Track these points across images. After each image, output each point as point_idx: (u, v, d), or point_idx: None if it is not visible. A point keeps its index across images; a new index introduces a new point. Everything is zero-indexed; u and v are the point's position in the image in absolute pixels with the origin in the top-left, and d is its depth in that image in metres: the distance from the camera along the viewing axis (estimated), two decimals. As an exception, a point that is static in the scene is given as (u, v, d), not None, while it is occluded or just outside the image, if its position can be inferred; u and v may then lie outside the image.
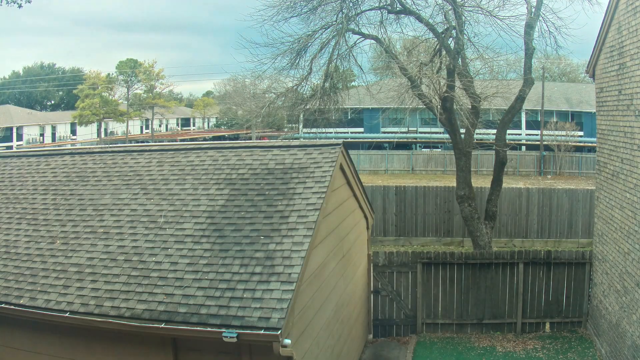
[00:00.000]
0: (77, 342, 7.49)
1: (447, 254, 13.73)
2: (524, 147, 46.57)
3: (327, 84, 17.25)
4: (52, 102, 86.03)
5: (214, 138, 71.65)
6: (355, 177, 10.91)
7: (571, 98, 49.93)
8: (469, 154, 17.01)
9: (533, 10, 15.49)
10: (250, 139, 59.58)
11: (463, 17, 15.98)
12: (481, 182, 24.35)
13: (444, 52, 17.48)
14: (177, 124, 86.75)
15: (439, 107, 16.82)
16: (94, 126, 65.39)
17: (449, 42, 16.73)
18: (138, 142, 61.71)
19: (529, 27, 15.56)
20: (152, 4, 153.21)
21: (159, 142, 60.93)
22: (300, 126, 41.67)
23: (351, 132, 47.82)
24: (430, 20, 16.77)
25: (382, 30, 17.05)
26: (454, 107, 16.99)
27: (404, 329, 13.43)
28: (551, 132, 41.69)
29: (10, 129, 56.72)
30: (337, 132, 42.20)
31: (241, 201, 8.64)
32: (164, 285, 7.24)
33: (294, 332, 6.88)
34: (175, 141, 64.42)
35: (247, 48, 42.95)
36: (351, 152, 10.21)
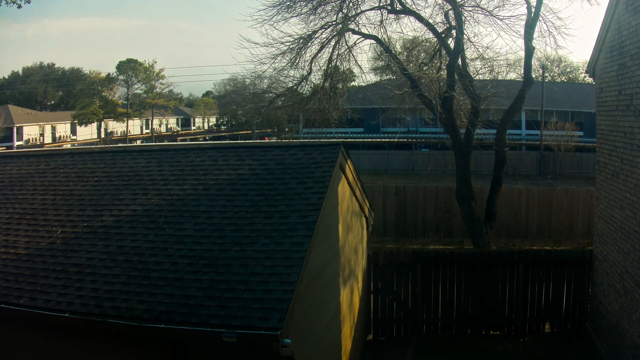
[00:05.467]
0: (77, 342, 7.49)
1: (447, 254, 13.71)
2: (524, 147, 46.55)
3: (327, 84, 17.25)
4: (52, 102, 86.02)
5: (214, 138, 71.71)
6: (355, 177, 10.91)
7: (571, 98, 49.94)
8: (469, 154, 17.01)
9: (533, 10, 15.48)
10: (250, 139, 59.62)
11: (463, 17, 15.98)
12: (481, 182, 24.33)
13: (444, 52, 17.49)
14: (177, 124, 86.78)
15: (439, 107, 16.83)
16: (94, 126, 65.41)
17: (449, 42, 16.74)
18: (138, 142, 61.79)
19: (529, 27, 15.56)
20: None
21: (160, 142, 61.01)
22: (301, 126, 41.69)
23: (351, 132, 47.82)
24: (430, 20, 16.80)
25: (382, 30, 17.09)
26: (454, 107, 16.99)
27: (404, 329, 13.42)
28: (551, 132, 41.68)
29: (11, 129, 56.70)
30: (337, 132, 42.19)
31: (241, 201, 8.63)
32: (164, 286, 7.23)
33: (294, 332, 6.87)
34: (175, 141, 64.49)
35: (247, 48, 42.92)
36: (351, 152, 10.23)
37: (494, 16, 15.80)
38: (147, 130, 74.56)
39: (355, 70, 22.47)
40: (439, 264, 13.24)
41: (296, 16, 16.26)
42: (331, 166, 9.04)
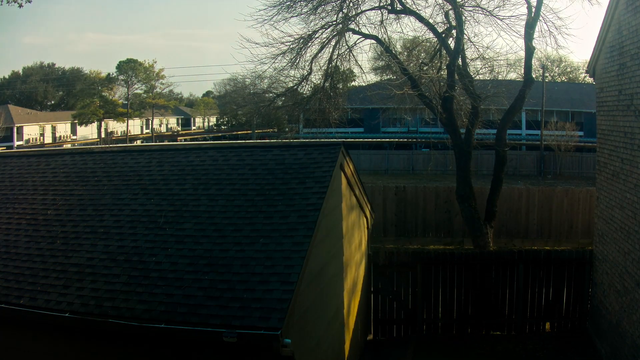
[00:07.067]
0: (77, 342, 7.49)
1: (447, 254, 13.71)
2: (524, 147, 46.54)
3: (327, 84, 17.26)
4: (52, 102, 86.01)
5: (214, 138, 71.73)
6: (356, 177, 10.92)
7: (571, 98, 49.94)
8: (469, 154, 17.02)
9: (533, 10, 15.49)
10: (250, 139, 59.61)
11: (463, 17, 15.99)
12: (481, 182, 24.34)
13: (444, 52, 17.50)
14: (177, 124, 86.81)
15: (439, 107, 16.84)
16: (94, 126, 65.45)
17: (449, 42, 16.74)
18: (138, 142, 61.77)
19: (529, 27, 15.57)
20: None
21: (160, 141, 61.03)
22: (301, 126, 41.68)
23: (351, 132, 47.83)
24: (431, 20, 16.83)
25: (382, 30, 17.12)
26: (454, 107, 17.00)
27: (404, 329, 13.42)
28: (551, 132, 41.67)
29: (11, 128, 56.72)
30: (338, 132, 42.21)
31: (241, 201, 8.63)
32: (164, 286, 7.22)
33: (294, 332, 6.88)
34: (176, 141, 64.49)
35: (247, 48, 43.08)
36: (351, 152, 10.24)
37: (494, 16, 15.82)
38: (147, 130, 74.59)
39: (356, 70, 22.54)
40: (439, 263, 13.24)
41: (296, 16, 16.31)
42: (331, 166, 9.04)
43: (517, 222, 21.03)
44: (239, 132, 75.29)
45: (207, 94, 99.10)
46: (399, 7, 16.47)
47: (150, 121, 73.10)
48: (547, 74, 52.13)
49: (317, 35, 16.37)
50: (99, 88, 63.25)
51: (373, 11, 16.93)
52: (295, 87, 17.70)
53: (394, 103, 23.26)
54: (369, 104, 42.75)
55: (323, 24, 16.31)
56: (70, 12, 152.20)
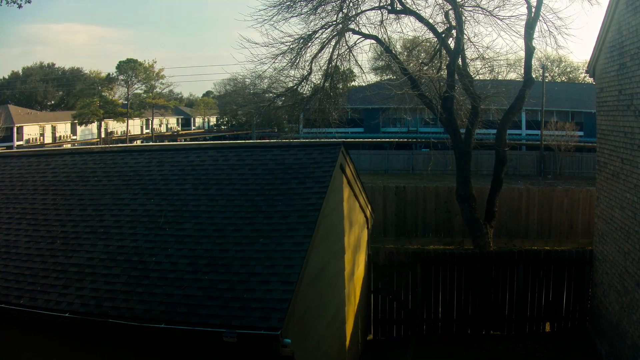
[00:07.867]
0: (77, 342, 7.49)
1: (447, 254, 13.71)
2: (524, 147, 46.55)
3: (327, 84, 17.25)
4: (52, 102, 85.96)
5: (214, 138, 71.78)
6: (356, 177, 10.92)
7: (571, 98, 49.95)
8: (469, 154, 17.02)
9: (533, 10, 15.49)
10: (251, 139, 59.62)
11: (463, 17, 15.99)
12: (481, 182, 24.33)
13: (444, 52, 17.50)
14: (177, 124, 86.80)
15: (439, 107, 16.84)
16: (94, 126, 65.45)
17: (449, 42, 16.74)
18: (138, 142, 61.76)
19: (529, 27, 15.57)
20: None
21: (160, 141, 61.04)
22: (301, 126, 41.70)
23: (351, 132, 47.80)
24: (431, 20, 16.82)
25: (382, 30, 17.11)
26: (454, 107, 17.00)
27: (404, 329, 13.42)
28: (551, 132, 41.68)
29: (11, 128, 56.70)
30: (338, 132, 42.18)
31: (241, 201, 8.63)
32: (164, 286, 7.23)
33: (294, 332, 6.88)
34: (176, 141, 64.51)
35: (247, 48, 43.14)
36: (351, 152, 10.24)
37: (494, 16, 15.82)
38: (147, 130, 74.60)
39: (356, 70, 22.52)
40: (439, 263, 13.24)
41: (296, 16, 16.30)
42: (331, 166, 9.04)
43: (517, 222, 21.03)
44: (239, 132, 75.33)
45: (207, 94, 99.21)
46: (399, 7, 16.46)
47: (150, 121, 73.11)
48: (547, 74, 52.15)
49: (317, 35, 16.37)
50: (99, 88, 63.29)
51: (373, 11, 16.94)
52: (295, 87, 17.69)
53: (394, 103, 23.27)
54: (369, 104, 42.75)
55: (323, 24, 16.31)
56: (70, 11, 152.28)
